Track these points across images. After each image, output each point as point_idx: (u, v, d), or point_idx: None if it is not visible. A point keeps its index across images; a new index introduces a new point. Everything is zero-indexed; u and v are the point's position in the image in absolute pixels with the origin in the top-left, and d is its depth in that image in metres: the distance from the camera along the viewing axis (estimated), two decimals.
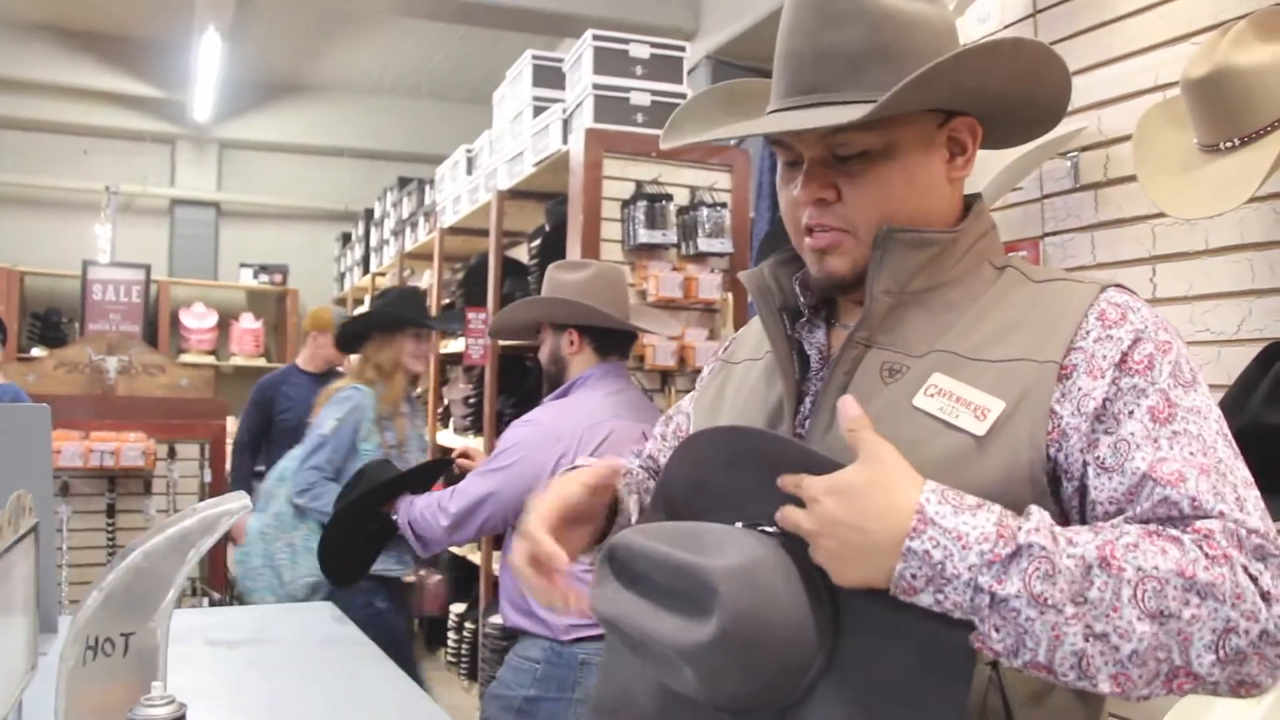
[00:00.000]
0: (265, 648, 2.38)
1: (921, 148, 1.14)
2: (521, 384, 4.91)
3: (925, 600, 0.93)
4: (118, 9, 8.93)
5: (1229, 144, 1.76)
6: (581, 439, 2.62)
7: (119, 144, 10.31)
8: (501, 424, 4.75)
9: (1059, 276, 1.16)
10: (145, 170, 10.39)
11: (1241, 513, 0.95)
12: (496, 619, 4.73)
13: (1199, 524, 0.94)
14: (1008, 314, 1.11)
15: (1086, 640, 0.89)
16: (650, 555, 1.04)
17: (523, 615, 2.62)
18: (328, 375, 5.24)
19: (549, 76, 4.40)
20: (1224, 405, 1.76)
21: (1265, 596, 0.91)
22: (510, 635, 4.16)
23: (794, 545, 1.04)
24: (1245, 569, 0.91)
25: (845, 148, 1.12)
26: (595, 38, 3.91)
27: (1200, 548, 0.92)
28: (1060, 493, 1.05)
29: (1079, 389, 1.04)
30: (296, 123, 10.81)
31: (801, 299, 1.24)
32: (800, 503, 1.01)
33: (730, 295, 3.81)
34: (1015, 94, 1.14)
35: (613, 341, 2.82)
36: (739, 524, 1.08)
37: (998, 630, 0.91)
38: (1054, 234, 2.37)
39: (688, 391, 1.45)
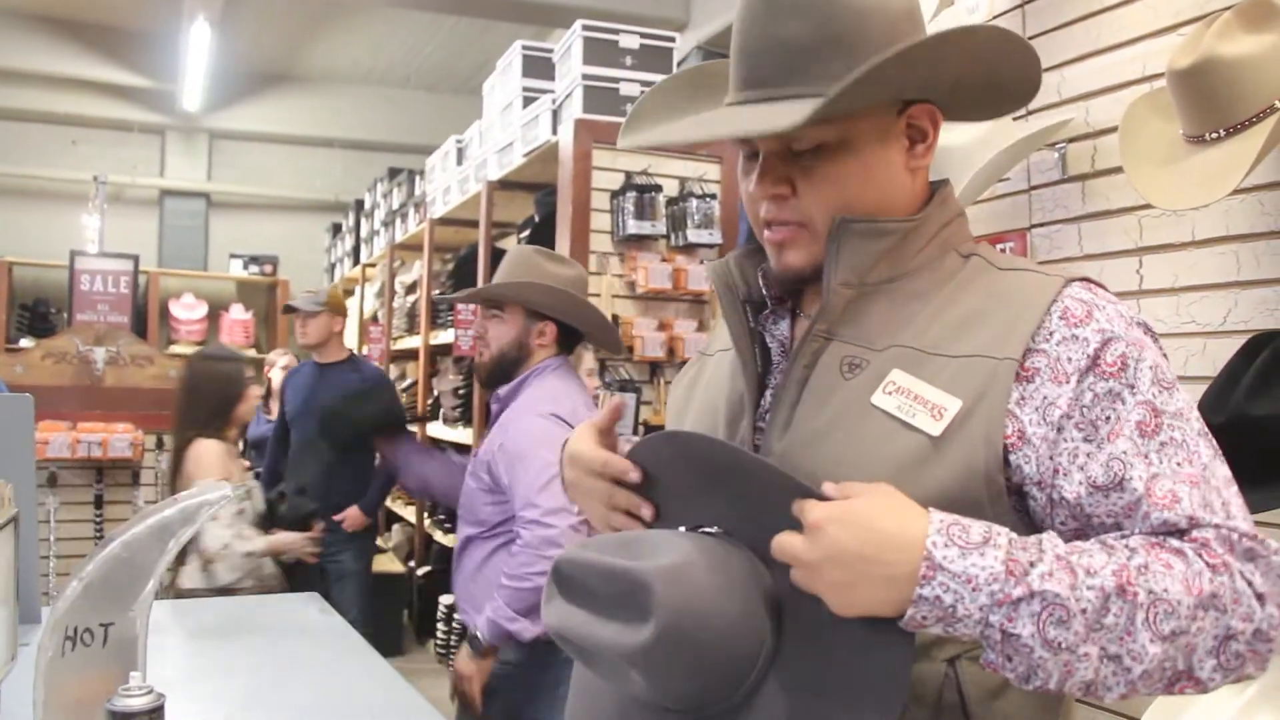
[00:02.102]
0: (248, 639, 2.37)
1: (878, 139, 1.11)
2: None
3: (935, 632, 0.93)
4: None
5: (1214, 135, 1.75)
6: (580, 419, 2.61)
7: (108, 134, 10.27)
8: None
9: (1023, 266, 1.13)
10: (134, 160, 10.35)
11: (1230, 518, 0.97)
12: None
13: (1195, 533, 0.96)
14: (969, 305, 1.09)
15: (1098, 667, 0.91)
16: (590, 565, 1.04)
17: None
18: (341, 363, 4.81)
19: (539, 67, 4.40)
20: (1209, 397, 1.76)
21: (1260, 598, 0.94)
22: None
23: (733, 544, 1.04)
24: (1241, 574, 0.94)
25: (800, 142, 1.09)
26: (585, 28, 3.90)
27: (1201, 557, 0.94)
28: (1030, 504, 1.04)
29: (1043, 396, 1.02)
30: (287, 113, 10.78)
31: (765, 290, 1.22)
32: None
33: None
34: (973, 80, 1.12)
35: (574, 341, 2.80)
36: (682, 529, 1.09)
37: (1010, 660, 0.92)
38: (1041, 225, 2.37)
39: None
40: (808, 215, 1.12)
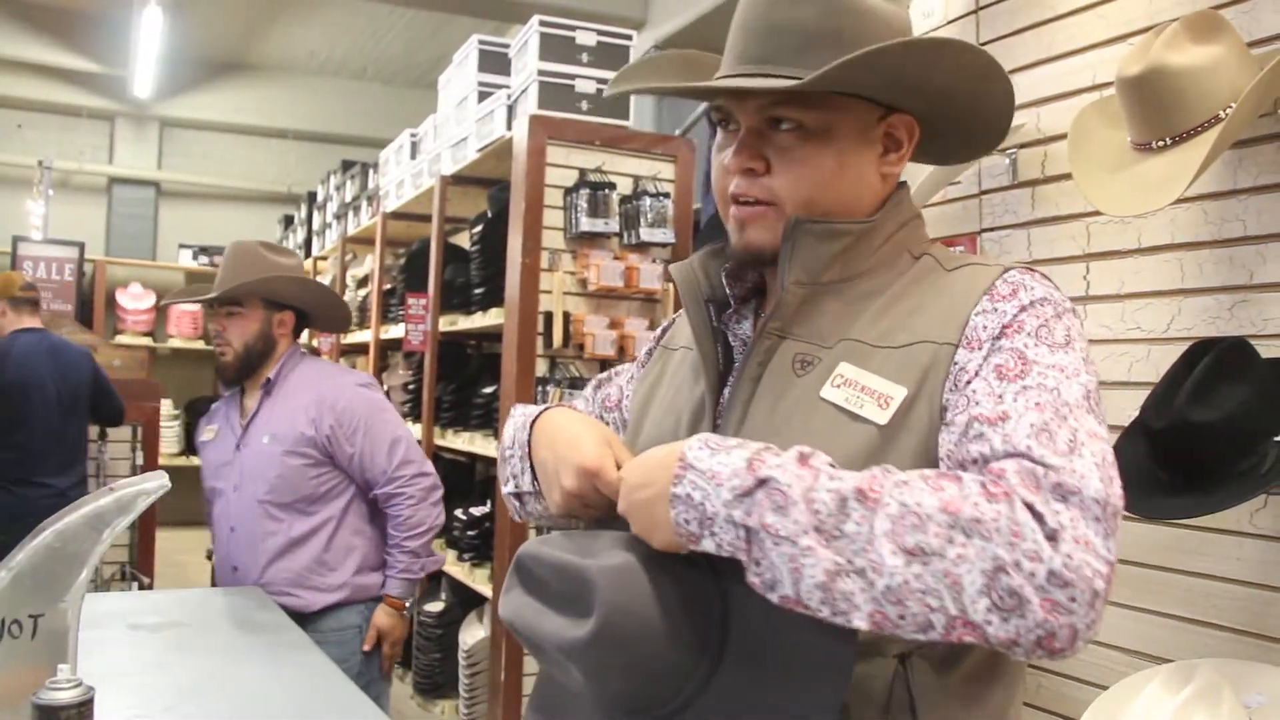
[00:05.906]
0: (188, 632, 2.34)
1: (857, 136, 1.15)
2: (461, 370, 4.87)
3: (708, 546, 0.96)
4: None
5: (1161, 143, 1.77)
6: None
7: (55, 119, 10.11)
8: (440, 410, 4.72)
9: (969, 261, 1.16)
10: (82, 146, 10.20)
11: (1059, 455, 0.91)
12: (431, 606, 4.69)
13: (994, 464, 0.93)
14: (915, 300, 1.12)
15: (835, 575, 0.89)
16: (545, 560, 1.07)
17: (332, 591, 2.74)
18: None
19: (495, 62, 4.37)
20: (1151, 403, 1.78)
21: (1052, 536, 0.86)
22: (445, 621, 4.14)
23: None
24: (1030, 506, 0.88)
25: (783, 121, 1.13)
26: (542, 24, 3.88)
27: (982, 485, 0.90)
28: None
29: (957, 364, 1.04)
30: (240, 102, 10.66)
31: (729, 290, 1.24)
32: None
33: (671, 285, 3.80)
34: (958, 99, 1.15)
35: (301, 327, 2.98)
36: None
37: (758, 564, 0.93)
38: (991, 230, 2.38)
39: None
40: (777, 194, 1.14)
